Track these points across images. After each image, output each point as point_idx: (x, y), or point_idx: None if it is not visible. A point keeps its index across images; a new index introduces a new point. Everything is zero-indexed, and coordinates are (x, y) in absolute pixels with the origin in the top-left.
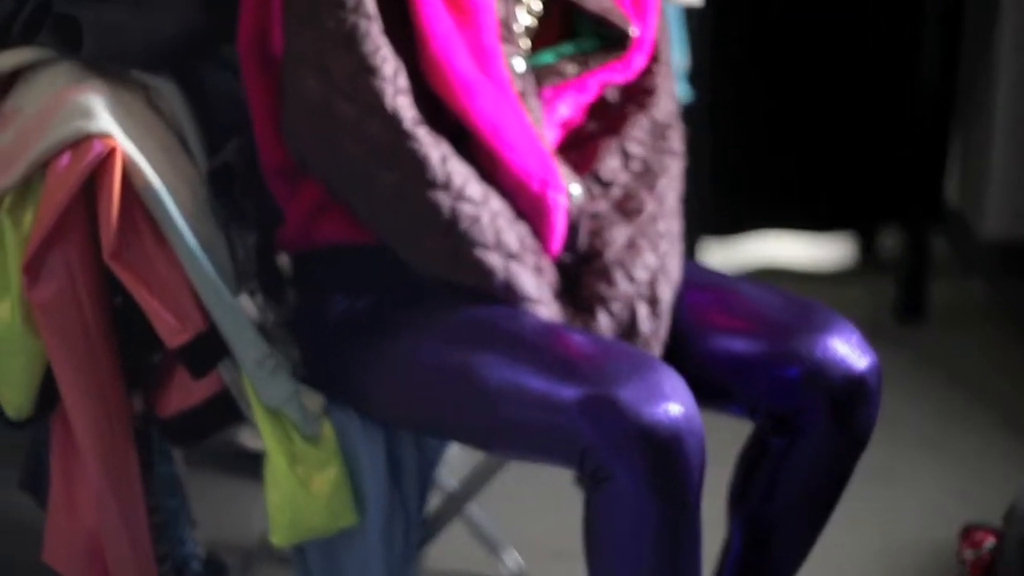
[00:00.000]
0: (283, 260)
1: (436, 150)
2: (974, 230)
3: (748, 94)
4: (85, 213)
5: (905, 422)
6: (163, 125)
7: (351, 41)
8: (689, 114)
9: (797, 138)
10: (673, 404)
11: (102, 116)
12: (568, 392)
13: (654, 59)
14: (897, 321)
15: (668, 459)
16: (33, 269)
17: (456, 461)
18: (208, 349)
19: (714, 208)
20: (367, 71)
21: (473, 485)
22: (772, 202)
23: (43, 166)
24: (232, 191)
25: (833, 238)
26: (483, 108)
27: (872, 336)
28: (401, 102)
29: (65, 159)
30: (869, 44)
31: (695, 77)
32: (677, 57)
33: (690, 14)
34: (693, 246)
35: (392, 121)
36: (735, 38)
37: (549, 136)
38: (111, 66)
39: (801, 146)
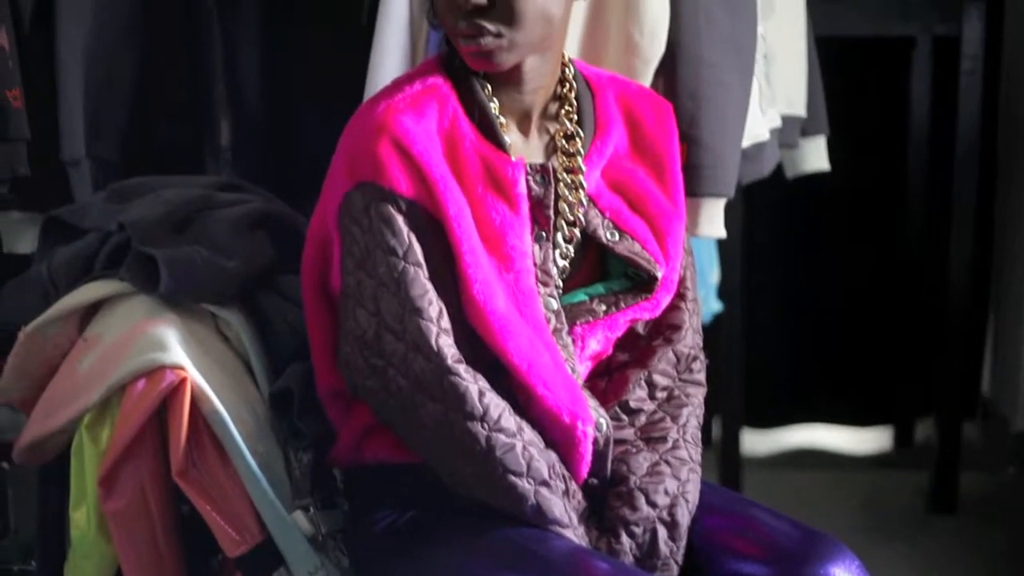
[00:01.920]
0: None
1: (474, 385)
2: (1007, 421)
3: (785, 293)
4: (156, 434)
5: None
6: (229, 351)
7: (400, 285)
8: (728, 314)
9: (834, 335)
10: None
11: (175, 349)
12: None
13: (680, 295)
14: (930, 510)
15: None
16: (108, 482)
17: None
18: (264, 559)
19: (755, 402)
20: (414, 312)
21: None
22: (811, 397)
23: (120, 390)
24: (291, 413)
25: (871, 430)
26: (519, 348)
27: (905, 525)
28: (444, 341)
29: (141, 385)
30: (903, 242)
31: (730, 282)
32: (712, 274)
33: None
34: (736, 438)
35: (436, 359)
36: (768, 242)
37: (580, 370)
38: (184, 300)
39: (838, 343)
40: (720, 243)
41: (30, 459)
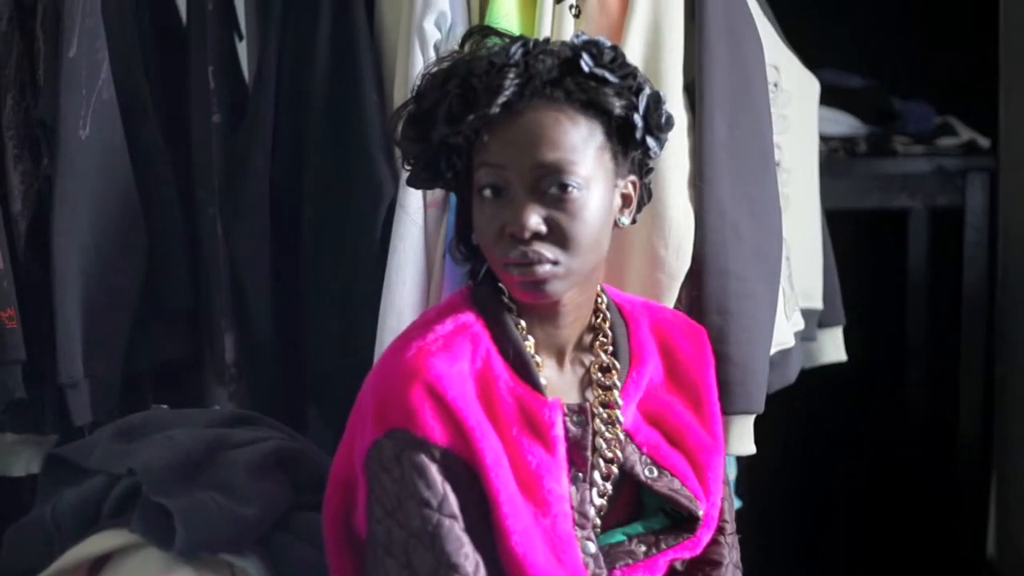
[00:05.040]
0: None
1: None
2: None
3: (789, 464)
4: None
5: None
6: None
7: (435, 539)
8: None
9: (840, 504)
10: None
11: None
12: None
13: (719, 529)
14: None
15: None
16: None
17: None
18: None
19: (758, 568)
20: (450, 568)
21: None
22: (817, 566)
23: None
24: None
25: None
26: None
27: None
28: None
29: None
30: (908, 420)
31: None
32: (730, 471)
33: None
34: None
35: None
36: (771, 419)
37: None
38: (200, 553)
39: (844, 512)
40: None
41: None
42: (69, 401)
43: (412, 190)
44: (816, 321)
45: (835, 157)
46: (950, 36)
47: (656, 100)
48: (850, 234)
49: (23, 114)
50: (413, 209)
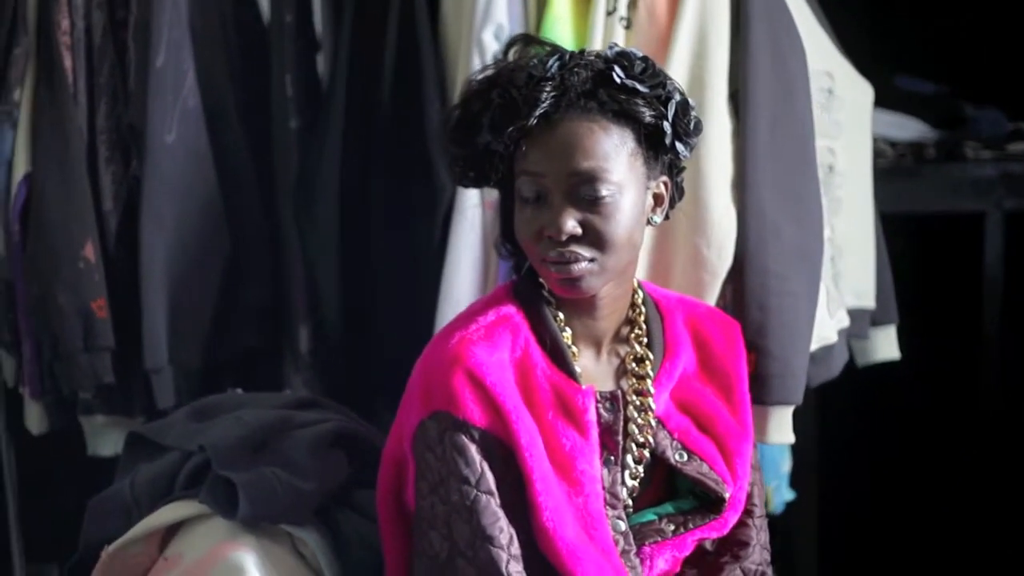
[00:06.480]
0: None
1: None
2: None
3: (858, 472)
4: None
5: None
6: (305, 568)
7: (472, 512)
8: (800, 501)
9: (910, 511)
10: None
11: (252, 574)
12: None
13: (747, 512)
14: None
15: None
16: None
17: None
18: None
19: None
20: (485, 539)
21: None
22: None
23: None
24: None
25: None
26: (587, 573)
27: None
28: (513, 568)
29: None
30: (983, 419)
31: (804, 470)
32: (784, 464)
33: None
34: None
35: None
36: (840, 423)
37: None
38: (261, 523)
39: (914, 520)
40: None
41: None
42: (154, 386)
43: (469, 192)
44: (868, 320)
45: (903, 162)
46: None
47: (684, 107)
48: (919, 238)
49: (115, 119)
50: (469, 209)
